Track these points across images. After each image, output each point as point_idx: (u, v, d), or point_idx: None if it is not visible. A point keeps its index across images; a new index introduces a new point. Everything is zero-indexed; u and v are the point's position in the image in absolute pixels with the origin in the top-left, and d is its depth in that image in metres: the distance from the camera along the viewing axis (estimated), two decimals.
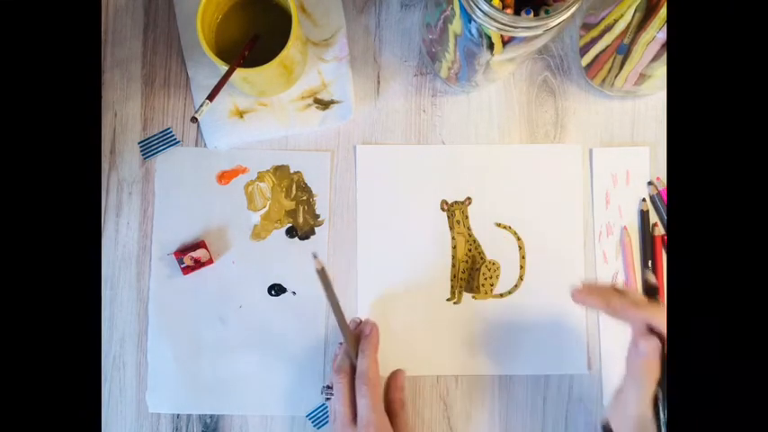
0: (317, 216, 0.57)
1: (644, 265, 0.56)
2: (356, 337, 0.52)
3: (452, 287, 0.57)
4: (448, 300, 0.57)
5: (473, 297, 0.57)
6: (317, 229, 0.57)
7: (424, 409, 0.56)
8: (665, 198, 0.56)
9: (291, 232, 0.57)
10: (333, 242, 0.57)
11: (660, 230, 0.56)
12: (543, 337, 0.56)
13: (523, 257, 0.57)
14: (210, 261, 0.55)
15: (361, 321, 0.54)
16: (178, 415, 0.56)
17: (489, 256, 0.57)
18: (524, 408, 0.56)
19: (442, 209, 0.57)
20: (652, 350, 0.41)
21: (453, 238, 0.57)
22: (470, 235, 0.57)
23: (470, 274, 0.57)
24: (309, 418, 0.55)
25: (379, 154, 0.57)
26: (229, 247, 0.56)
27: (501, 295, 0.57)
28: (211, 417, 0.55)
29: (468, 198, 0.57)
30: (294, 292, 0.56)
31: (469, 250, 0.57)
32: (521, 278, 0.57)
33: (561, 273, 0.57)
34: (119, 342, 0.56)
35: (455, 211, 0.57)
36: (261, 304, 0.56)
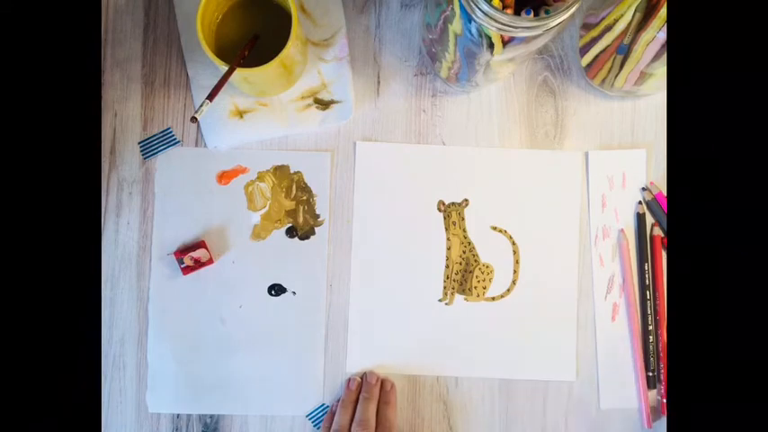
0: (317, 216, 0.57)
1: (641, 267, 0.56)
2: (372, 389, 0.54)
3: (445, 288, 0.57)
4: (440, 300, 0.57)
5: (465, 299, 0.57)
6: (317, 229, 0.57)
7: (424, 409, 0.56)
8: (660, 201, 0.56)
9: (291, 232, 0.57)
10: (333, 242, 0.57)
11: (658, 231, 0.56)
12: (532, 342, 0.56)
13: (517, 262, 0.57)
14: (210, 261, 0.55)
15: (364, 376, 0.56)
16: (178, 415, 0.56)
17: (483, 258, 0.57)
18: (524, 408, 0.56)
19: (439, 209, 0.57)
20: None
21: (448, 239, 0.57)
22: (465, 237, 0.57)
23: (463, 275, 0.57)
24: (309, 418, 0.55)
25: (378, 151, 0.57)
26: (229, 247, 0.56)
27: (493, 299, 0.57)
28: (211, 417, 0.56)
29: (466, 200, 0.57)
30: (294, 292, 0.56)
31: (464, 252, 0.57)
32: (513, 282, 0.57)
33: (555, 278, 0.57)
34: (119, 342, 0.56)
35: (451, 213, 0.57)
36: (261, 304, 0.56)
